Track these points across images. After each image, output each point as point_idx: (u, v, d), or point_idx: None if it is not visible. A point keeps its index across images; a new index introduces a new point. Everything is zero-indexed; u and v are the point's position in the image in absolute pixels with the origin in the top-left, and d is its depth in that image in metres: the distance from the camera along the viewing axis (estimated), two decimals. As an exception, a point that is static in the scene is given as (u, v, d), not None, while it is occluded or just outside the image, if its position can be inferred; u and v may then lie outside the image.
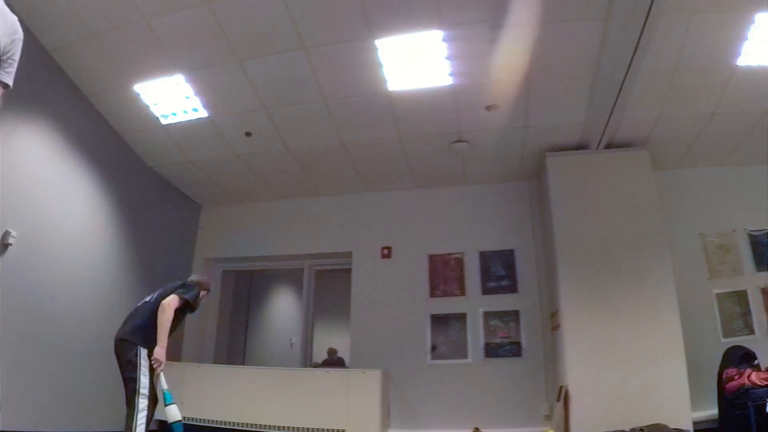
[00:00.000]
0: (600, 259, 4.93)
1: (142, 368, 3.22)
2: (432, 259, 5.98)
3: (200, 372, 5.70)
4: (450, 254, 5.96)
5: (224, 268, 6.80)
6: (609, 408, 4.38)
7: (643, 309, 4.69)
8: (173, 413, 3.21)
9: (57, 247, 4.34)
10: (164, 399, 3.23)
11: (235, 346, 7.20)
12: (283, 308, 8.53)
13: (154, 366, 3.29)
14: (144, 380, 3.19)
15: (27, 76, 4.34)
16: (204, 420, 5.27)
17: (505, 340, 5.53)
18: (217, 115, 4.99)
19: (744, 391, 4.09)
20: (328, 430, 4.91)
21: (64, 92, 4.47)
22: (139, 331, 3.35)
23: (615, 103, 4.38)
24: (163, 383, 3.28)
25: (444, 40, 4.06)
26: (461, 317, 5.68)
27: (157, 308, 3.38)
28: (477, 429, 5.00)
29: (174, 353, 5.99)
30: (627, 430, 4.15)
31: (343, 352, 7.36)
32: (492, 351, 5.51)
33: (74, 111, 4.60)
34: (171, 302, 3.37)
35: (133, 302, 5.34)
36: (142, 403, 3.12)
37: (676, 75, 4.32)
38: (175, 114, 4.97)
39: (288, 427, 5.00)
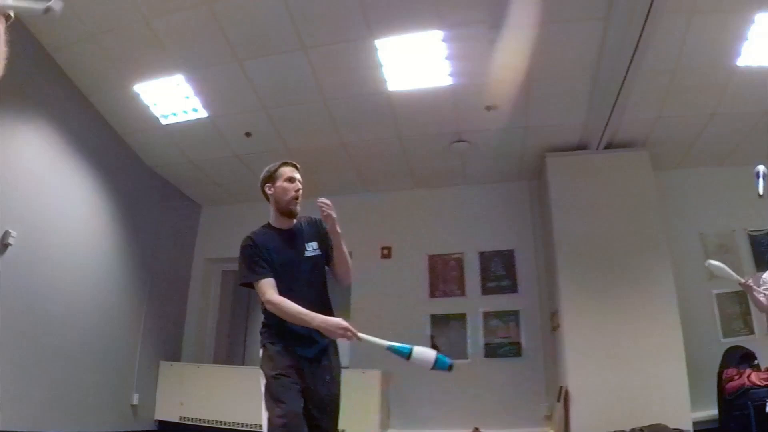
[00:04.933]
0: (600, 259, 4.93)
1: None
2: (432, 259, 5.98)
3: (200, 372, 5.70)
4: (450, 254, 5.96)
5: (224, 268, 6.79)
6: (609, 408, 4.38)
7: (643, 309, 4.69)
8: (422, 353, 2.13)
9: (57, 247, 4.34)
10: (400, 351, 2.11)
11: (235, 345, 7.20)
12: (283, 308, 8.50)
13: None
14: None
15: (27, 76, 4.36)
16: (204, 420, 5.27)
17: (505, 341, 5.53)
18: (217, 115, 4.99)
19: (744, 391, 4.09)
20: (328, 430, 4.91)
21: (64, 92, 4.47)
22: None
23: (615, 103, 4.38)
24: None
25: (444, 40, 4.06)
26: (461, 317, 5.68)
27: None
28: (477, 429, 5.00)
29: (174, 353, 6.01)
30: (627, 430, 4.15)
31: (343, 352, 7.35)
32: (492, 351, 5.51)
33: (74, 111, 4.60)
34: None
35: (133, 302, 5.40)
36: None
37: (676, 75, 4.32)
38: (175, 114, 4.97)
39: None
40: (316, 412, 2.15)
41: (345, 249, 2.32)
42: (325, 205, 2.21)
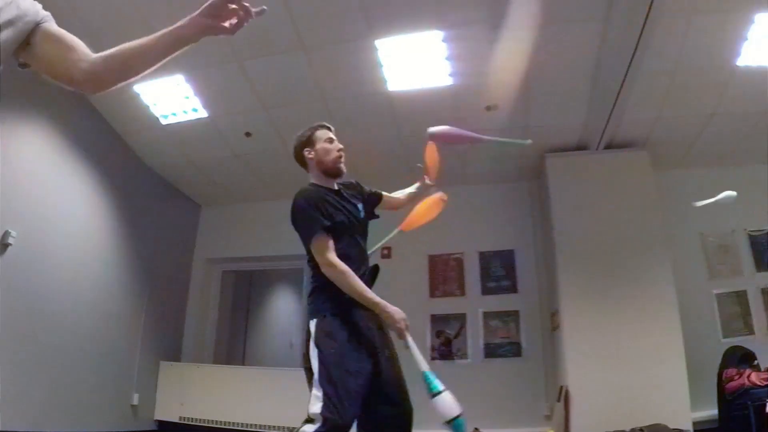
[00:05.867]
0: (600, 260, 4.93)
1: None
2: (432, 259, 5.98)
3: (200, 372, 5.70)
4: (450, 254, 5.96)
5: (224, 268, 6.79)
6: (609, 408, 4.38)
7: (643, 309, 4.69)
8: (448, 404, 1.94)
9: (57, 247, 4.34)
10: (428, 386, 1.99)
11: (235, 346, 7.20)
12: (283, 308, 8.52)
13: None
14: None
15: (27, 76, 4.33)
16: (204, 420, 5.27)
17: (505, 341, 5.52)
18: (217, 115, 4.99)
19: (744, 391, 4.09)
20: (328, 430, 4.91)
21: (64, 92, 4.45)
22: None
23: (615, 104, 4.38)
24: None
25: (444, 40, 4.06)
26: (461, 317, 5.68)
27: None
28: (477, 429, 4.99)
29: (174, 353, 6.00)
30: (627, 430, 4.15)
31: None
32: (492, 351, 5.51)
33: (74, 111, 4.60)
34: None
35: (133, 302, 5.40)
36: None
37: (676, 75, 4.32)
38: (175, 114, 4.97)
39: (288, 427, 5.00)
40: (388, 388, 1.98)
41: None
42: None
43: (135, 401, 5.21)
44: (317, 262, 1.99)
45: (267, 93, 4.69)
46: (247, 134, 5.21)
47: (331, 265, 1.95)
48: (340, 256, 1.98)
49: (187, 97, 4.74)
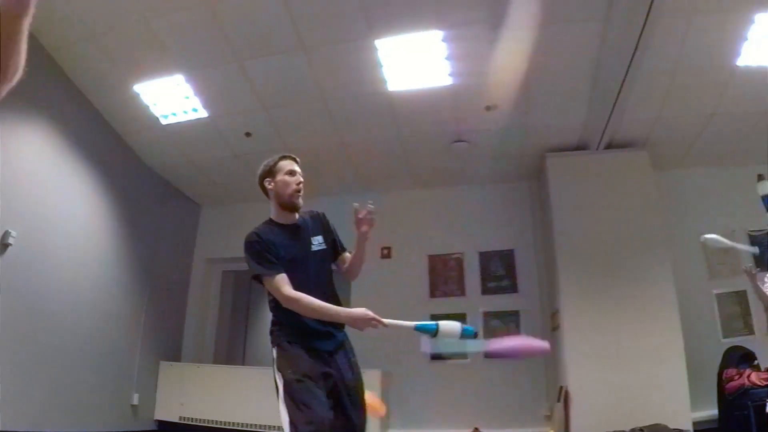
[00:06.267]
0: (600, 260, 4.93)
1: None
2: (432, 259, 5.98)
3: (200, 372, 5.70)
4: (450, 254, 5.96)
5: (224, 268, 6.79)
6: (609, 408, 4.38)
7: (643, 309, 4.69)
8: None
9: (57, 247, 4.34)
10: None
11: (235, 346, 7.20)
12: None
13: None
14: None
15: (27, 76, 4.32)
16: (204, 420, 5.27)
17: (505, 341, 5.52)
18: (217, 115, 4.99)
19: (744, 391, 4.09)
20: (328, 430, 4.91)
21: (64, 92, 4.47)
22: None
23: (615, 104, 4.38)
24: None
25: (444, 40, 4.06)
26: (461, 317, 5.68)
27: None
28: (477, 429, 5.00)
29: (174, 353, 6.00)
30: (627, 430, 4.15)
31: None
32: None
33: (74, 111, 4.60)
34: None
35: (133, 302, 5.40)
36: None
37: (676, 75, 4.32)
38: (175, 114, 4.97)
39: (288, 427, 5.00)
40: (346, 400, 2.11)
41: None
42: (370, 214, 2.26)
43: (135, 401, 5.21)
44: (276, 299, 2.11)
45: (267, 93, 4.69)
46: (247, 134, 5.21)
47: (289, 299, 2.05)
48: (294, 287, 2.08)
49: (187, 97, 4.74)
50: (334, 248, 2.36)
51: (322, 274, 2.25)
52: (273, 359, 2.14)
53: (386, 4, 3.79)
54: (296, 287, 2.08)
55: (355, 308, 2.09)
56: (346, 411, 2.10)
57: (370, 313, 2.05)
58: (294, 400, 1.96)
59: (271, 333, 2.22)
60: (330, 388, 2.07)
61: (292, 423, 1.91)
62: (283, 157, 2.30)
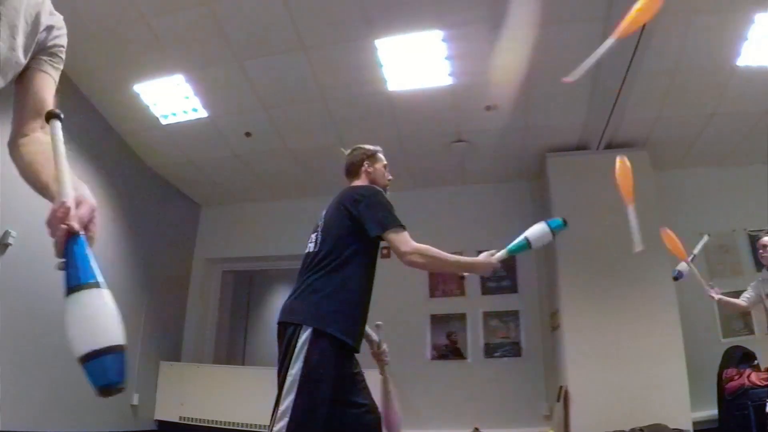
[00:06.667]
0: (600, 259, 4.93)
1: None
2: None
3: (200, 372, 5.70)
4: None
5: (224, 268, 6.79)
6: (609, 408, 4.38)
7: (643, 309, 4.69)
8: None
9: (57, 247, 4.33)
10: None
11: (235, 346, 7.20)
12: (283, 308, 8.52)
13: None
14: None
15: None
16: (204, 420, 5.27)
17: (505, 340, 5.53)
18: (217, 115, 4.99)
19: (744, 391, 4.09)
20: (328, 430, 4.91)
21: (65, 92, 4.46)
22: None
23: (615, 103, 4.38)
24: None
25: (444, 40, 4.06)
26: (461, 317, 5.68)
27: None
28: (477, 429, 5.00)
29: (174, 353, 6.00)
30: (627, 430, 4.15)
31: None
32: (492, 351, 5.51)
33: (74, 111, 4.59)
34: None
35: (133, 302, 5.39)
36: None
37: (676, 75, 4.32)
38: (175, 114, 4.97)
39: (288, 427, 5.00)
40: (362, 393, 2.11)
41: None
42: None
43: (135, 401, 5.21)
44: (398, 253, 1.98)
45: (267, 93, 4.69)
46: (247, 134, 5.21)
47: (418, 251, 1.98)
48: (373, 265, 2.11)
49: (187, 97, 4.74)
50: None
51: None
52: (305, 341, 1.84)
53: (386, 4, 3.79)
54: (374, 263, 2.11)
55: (478, 257, 2.13)
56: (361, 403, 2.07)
57: (492, 259, 2.10)
58: (303, 397, 1.79)
59: (317, 305, 1.91)
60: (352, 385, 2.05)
61: (290, 419, 1.76)
62: (381, 151, 2.44)
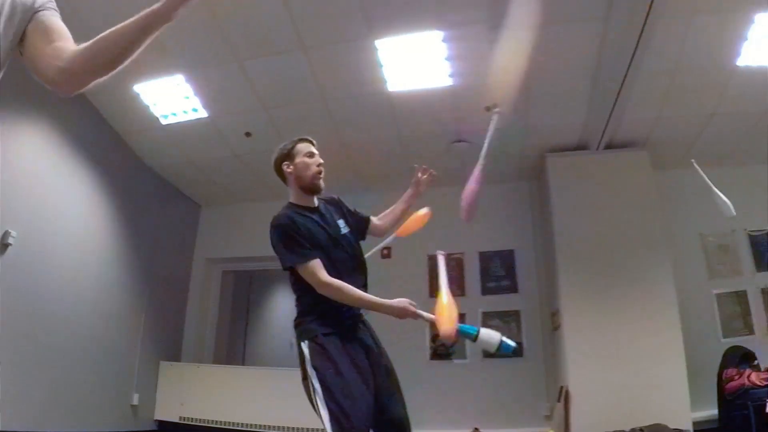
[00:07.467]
0: (600, 259, 4.93)
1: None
2: (432, 259, 5.96)
3: (200, 372, 5.70)
4: (450, 254, 5.95)
5: (224, 268, 6.79)
6: (609, 408, 4.38)
7: (643, 309, 4.69)
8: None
9: (57, 247, 4.34)
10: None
11: (235, 346, 7.20)
12: (283, 308, 8.52)
13: None
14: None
15: (27, 76, 4.33)
16: (204, 420, 5.27)
17: (505, 341, 5.52)
18: (217, 115, 4.98)
19: (744, 391, 4.09)
20: (328, 430, 4.91)
21: (64, 92, 4.47)
22: None
23: (615, 104, 4.38)
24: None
25: (444, 40, 4.06)
26: (461, 317, 5.67)
27: None
28: (477, 429, 5.00)
29: (174, 353, 6.00)
30: (627, 430, 4.15)
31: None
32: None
33: (74, 111, 4.60)
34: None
35: (133, 302, 5.39)
36: None
37: (676, 75, 4.32)
38: (174, 114, 4.97)
39: (287, 427, 5.00)
40: (387, 383, 2.07)
41: None
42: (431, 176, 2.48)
43: (135, 401, 5.21)
44: (312, 285, 1.98)
45: (267, 93, 4.69)
46: (247, 134, 5.21)
47: (325, 285, 1.96)
48: (331, 274, 1.99)
49: (187, 97, 4.74)
50: (359, 226, 2.32)
51: (356, 257, 2.20)
52: (304, 355, 1.96)
53: (386, 4, 3.79)
54: (334, 274, 1.99)
55: (396, 299, 2.03)
56: (389, 396, 2.05)
57: (411, 307, 2.03)
58: (336, 398, 1.85)
59: (298, 325, 2.05)
60: (372, 375, 2.01)
61: (336, 421, 1.81)
62: (301, 140, 2.24)
